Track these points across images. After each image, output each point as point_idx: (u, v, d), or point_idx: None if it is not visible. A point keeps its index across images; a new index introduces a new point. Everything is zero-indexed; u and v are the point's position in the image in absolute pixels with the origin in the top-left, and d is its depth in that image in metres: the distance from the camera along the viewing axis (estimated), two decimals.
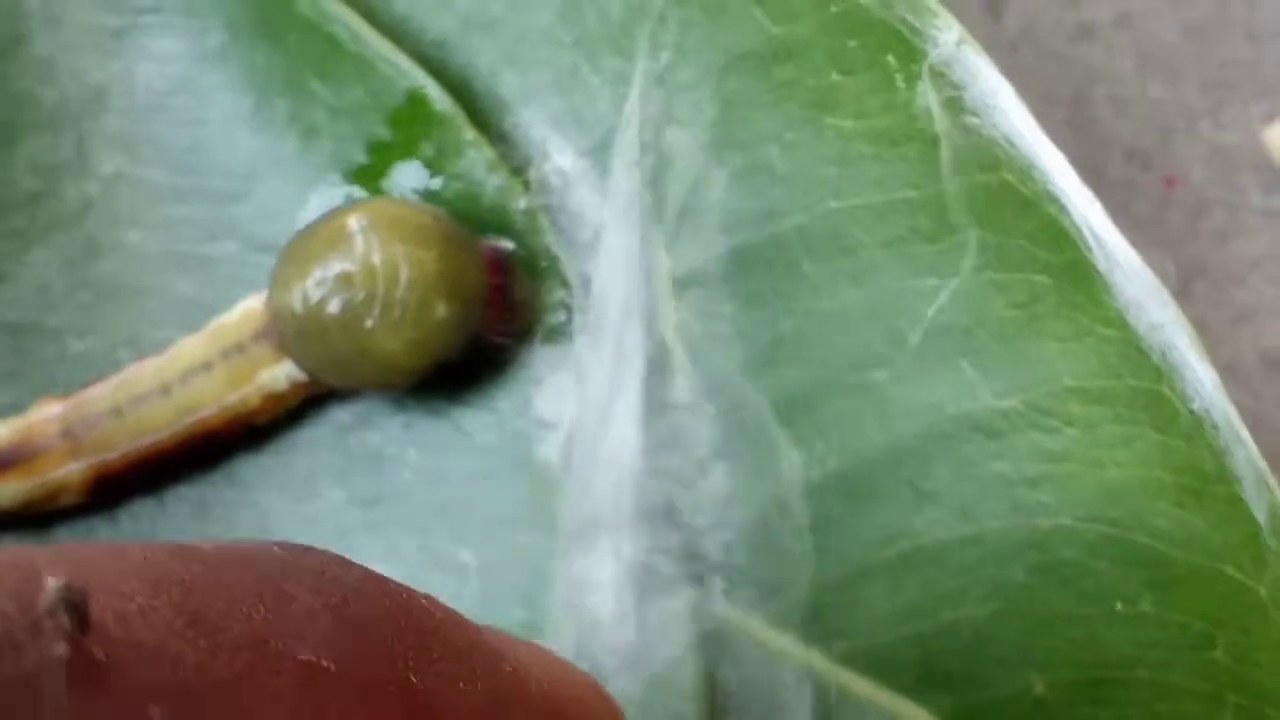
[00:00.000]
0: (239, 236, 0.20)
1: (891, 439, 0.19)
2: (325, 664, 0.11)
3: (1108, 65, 0.38)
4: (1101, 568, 0.19)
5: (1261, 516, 0.18)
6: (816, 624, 0.20)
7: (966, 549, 0.19)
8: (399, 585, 0.13)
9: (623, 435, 0.19)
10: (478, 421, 0.20)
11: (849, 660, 0.20)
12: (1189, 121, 0.39)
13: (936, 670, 0.20)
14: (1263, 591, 0.18)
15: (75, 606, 0.10)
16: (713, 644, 0.20)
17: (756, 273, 0.19)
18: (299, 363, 0.19)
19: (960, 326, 0.19)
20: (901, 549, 0.20)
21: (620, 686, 0.20)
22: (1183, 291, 0.36)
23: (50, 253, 0.20)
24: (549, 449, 0.20)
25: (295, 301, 0.18)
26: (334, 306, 0.18)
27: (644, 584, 0.20)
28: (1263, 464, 0.18)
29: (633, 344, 0.20)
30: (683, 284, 0.20)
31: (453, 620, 0.13)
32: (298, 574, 0.12)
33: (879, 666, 0.20)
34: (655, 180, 0.20)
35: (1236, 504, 0.18)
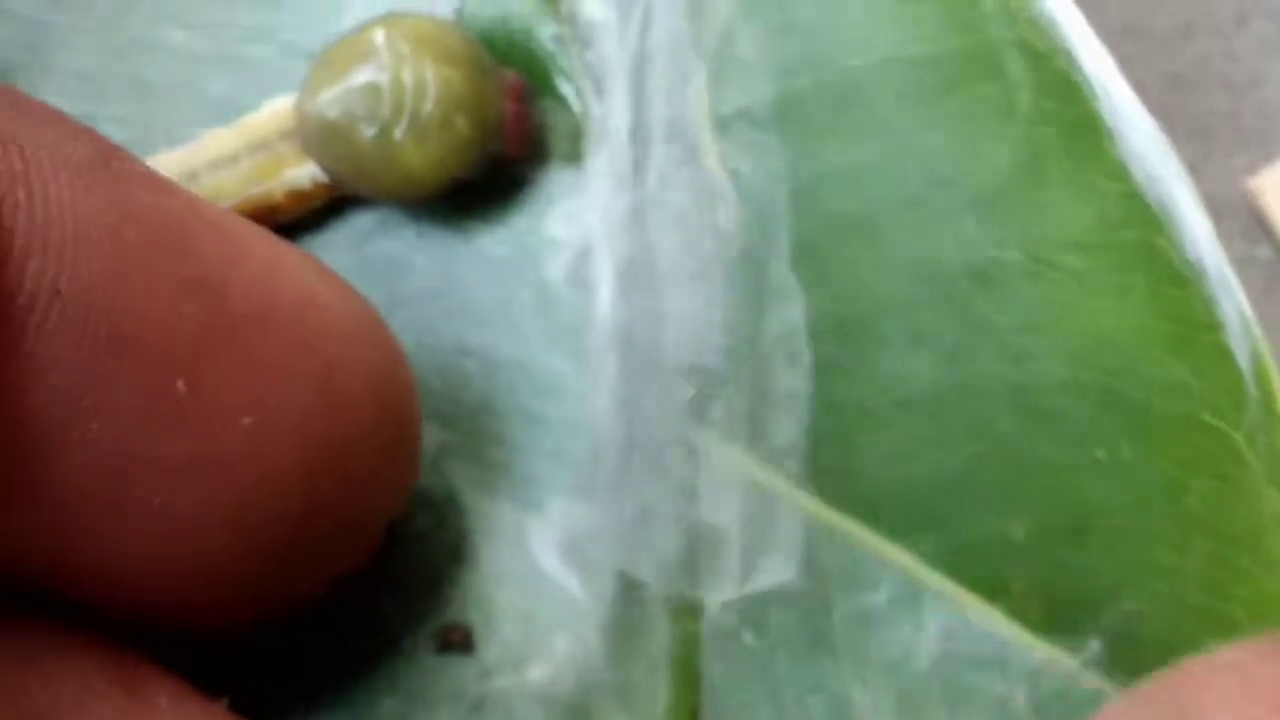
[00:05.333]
0: (277, 41, 0.21)
1: (894, 287, 0.20)
2: None
3: None
4: (1086, 414, 0.20)
5: (1244, 363, 0.19)
6: (809, 466, 0.20)
7: (956, 394, 0.20)
8: None
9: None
10: (490, 236, 0.20)
11: (838, 502, 0.20)
12: None
13: (921, 512, 0.20)
14: (1239, 438, 0.19)
15: None
16: (708, 481, 0.20)
17: (791, 120, 0.20)
18: (323, 166, 0.20)
19: (967, 179, 0.20)
20: (895, 395, 0.20)
21: (611, 512, 0.20)
22: None
23: (94, 43, 0.21)
24: (557, 267, 0.20)
25: (325, 107, 0.19)
26: (363, 115, 0.19)
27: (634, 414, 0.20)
28: (1249, 311, 0.19)
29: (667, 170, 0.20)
30: (725, 122, 0.20)
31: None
32: None
33: (866, 509, 0.20)
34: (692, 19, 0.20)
35: (1222, 351, 0.19)
